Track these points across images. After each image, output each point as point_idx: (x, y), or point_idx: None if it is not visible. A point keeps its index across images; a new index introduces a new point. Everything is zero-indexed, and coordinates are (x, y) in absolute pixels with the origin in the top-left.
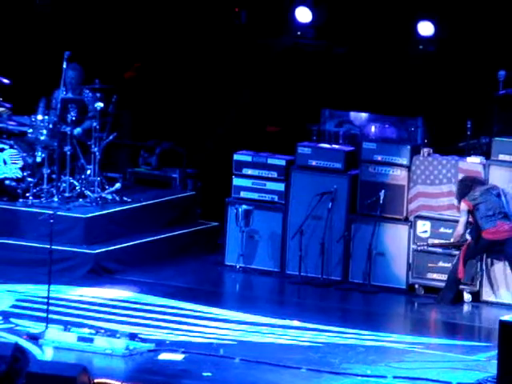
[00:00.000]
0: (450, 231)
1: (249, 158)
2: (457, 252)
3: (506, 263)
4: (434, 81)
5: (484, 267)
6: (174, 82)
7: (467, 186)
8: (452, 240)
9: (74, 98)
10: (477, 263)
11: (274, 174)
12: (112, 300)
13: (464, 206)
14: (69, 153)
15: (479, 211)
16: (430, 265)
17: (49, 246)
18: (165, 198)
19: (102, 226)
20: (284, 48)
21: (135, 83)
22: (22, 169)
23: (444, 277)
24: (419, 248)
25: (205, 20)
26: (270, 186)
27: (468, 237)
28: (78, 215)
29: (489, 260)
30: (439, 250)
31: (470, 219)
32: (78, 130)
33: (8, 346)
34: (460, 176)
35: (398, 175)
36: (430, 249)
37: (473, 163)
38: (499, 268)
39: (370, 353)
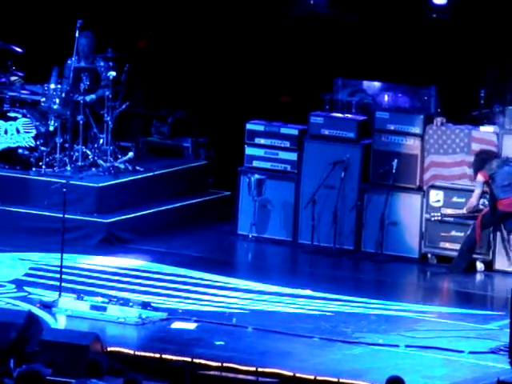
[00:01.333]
0: (463, 200)
1: (261, 128)
2: (470, 222)
3: None
4: (447, 49)
5: (497, 236)
6: (186, 51)
7: (483, 160)
8: (465, 210)
9: (86, 67)
10: (490, 233)
11: (287, 144)
12: (124, 269)
13: (480, 177)
14: (81, 122)
15: (495, 182)
16: (442, 234)
17: (61, 215)
18: (177, 168)
19: (114, 195)
20: (297, 17)
21: (148, 52)
22: (35, 138)
23: (457, 246)
24: (432, 218)
25: None
26: (283, 155)
27: (482, 207)
28: (90, 184)
29: (502, 229)
30: (452, 219)
31: (486, 189)
32: (91, 97)
33: (21, 314)
34: (473, 145)
35: (411, 144)
36: (443, 218)
37: (486, 132)
38: None
39: (382, 322)
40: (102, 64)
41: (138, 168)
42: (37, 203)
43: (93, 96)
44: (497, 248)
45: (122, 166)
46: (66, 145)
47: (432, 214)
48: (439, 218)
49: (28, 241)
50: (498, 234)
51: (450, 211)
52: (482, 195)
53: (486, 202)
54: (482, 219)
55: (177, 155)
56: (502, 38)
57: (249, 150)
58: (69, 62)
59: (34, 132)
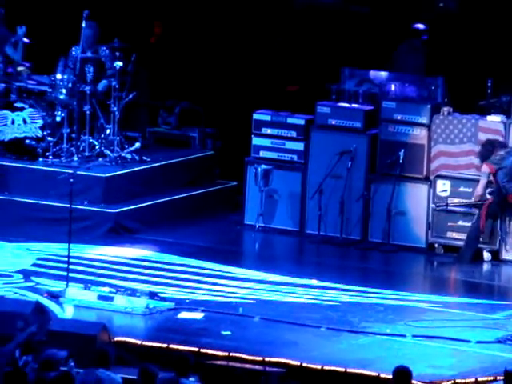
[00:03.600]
0: (469, 190)
1: (268, 118)
2: (477, 211)
3: None
4: (454, 39)
5: (504, 226)
6: (192, 41)
7: (488, 150)
8: (473, 200)
9: (90, 57)
10: (496, 222)
11: (294, 134)
12: (132, 259)
13: (486, 168)
14: (88, 112)
15: (500, 176)
16: (449, 224)
17: (69, 205)
18: (184, 158)
19: (121, 186)
20: (304, 6)
21: (154, 42)
22: (42, 128)
23: (464, 236)
24: (438, 208)
25: None
26: (290, 145)
27: (488, 196)
28: (97, 174)
29: (508, 219)
30: (459, 209)
31: (491, 179)
32: (104, 83)
33: (29, 304)
34: (480, 135)
35: (418, 134)
36: (450, 208)
37: (493, 122)
38: None
39: (389, 312)
40: (106, 53)
41: (144, 158)
42: (44, 193)
43: (105, 82)
44: (503, 237)
45: (128, 156)
46: (73, 135)
47: (437, 203)
48: (445, 207)
49: (35, 231)
50: (504, 223)
51: (456, 201)
52: (488, 185)
53: (491, 191)
54: (487, 209)
55: (183, 145)
56: (509, 27)
57: (256, 140)
58: (73, 52)
59: (41, 122)
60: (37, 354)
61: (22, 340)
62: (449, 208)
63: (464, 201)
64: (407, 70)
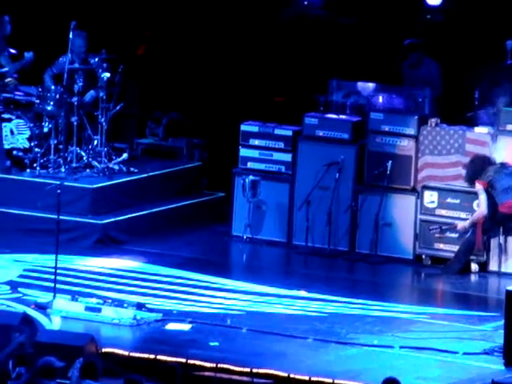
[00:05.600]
0: (457, 201)
1: (256, 129)
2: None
3: None
4: (441, 50)
5: (493, 238)
6: (180, 52)
7: (478, 167)
8: (474, 219)
9: (81, 68)
10: (488, 235)
11: (281, 145)
12: (119, 270)
13: (479, 185)
14: (76, 123)
15: (494, 188)
16: (437, 235)
17: (56, 217)
18: (172, 169)
19: (109, 197)
20: (291, 18)
21: (141, 54)
22: (29, 139)
23: (451, 247)
24: (432, 232)
25: None
26: (277, 156)
27: (477, 208)
28: (85, 185)
29: (500, 232)
30: (445, 220)
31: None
32: (91, 93)
33: (16, 315)
34: (467, 146)
35: (406, 145)
36: (437, 219)
37: (480, 133)
38: (508, 239)
39: (376, 323)
40: (96, 63)
41: (132, 169)
42: (31, 204)
43: (92, 92)
44: (491, 249)
45: (116, 168)
46: (61, 146)
47: (431, 227)
48: (438, 230)
49: (22, 242)
50: (498, 237)
51: (443, 212)
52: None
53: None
54: (483, 224)
55: (171, 156)
56: (495, 39)
57: (243, 151)
58: (60, 59)
59: (28, 133)
60: (30, 366)
61: (11, 351)
62: (443, 233)
63: (460, 225)
64: (414, 85)
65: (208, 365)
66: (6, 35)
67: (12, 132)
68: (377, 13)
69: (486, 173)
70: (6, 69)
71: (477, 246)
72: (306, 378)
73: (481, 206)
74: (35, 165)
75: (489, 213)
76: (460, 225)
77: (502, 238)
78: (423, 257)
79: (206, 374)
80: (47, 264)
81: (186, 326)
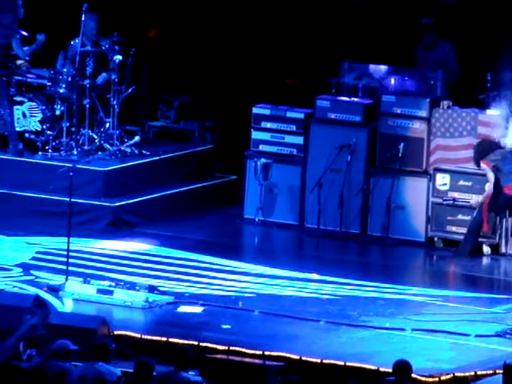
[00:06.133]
0: (469, 184)
1: (267, 112)
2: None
3: None
4: (454, 32)
5: (504, 220)
6: (191, 35)
7: (485, 149)
8: (481, 199)
9: (93, 50)
10: (496, 216)
11: (293, 127)
12: (131, 253)
13: (484, 165)
14: (88, 106)
15: (500, 170)
16: (449, 218)
17: (68, 199)
18: (183, 152)
19: (120, 179)
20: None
21: (153, 36)
22: (42, 122)
23: (463, 230)
24: (445, 203)
25: None
26: (289, 139)
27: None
28: (97, 168)
29: (508, 213)
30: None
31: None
32: (103, 76)
33: (28, 297)
34: (480, 129)
35: (418, 128)
36: (449, 202)
37: (492, 115)
38: None
39: (388, 305)
40: (108, 46)
41: (144, 152)
42: (43, 187)
43: (104, 75)
44: (503, 231)
45: (128, 150)
46: (73, 129)
47: (445, 199)
48: (452, 204)
49: (35, 225)
50: (505, 218)
51: (456, 195)
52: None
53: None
54: (488, 204)
55: (183, 139)
56: (508, 21)
57: (255, 134)
58: (72, 43)
59: (41, 116)
60: (40, 348)
61: (23, 333)
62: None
63: (474, 200)
64: (428, 67)
65: (220, 347)
66: (18, 19)
67: (24, 115)
68: None
69: (493, 155)
70: (21, 61)
71: (484, 226)
72: (318, 360)
73: (490, 184)
74: (47, 147)
75: (494, 194)
76: (474, 199)
77: (510, 221)
78: (435, 239)
79: (218, 356)
80: (59, 246)
81: (197, 309)
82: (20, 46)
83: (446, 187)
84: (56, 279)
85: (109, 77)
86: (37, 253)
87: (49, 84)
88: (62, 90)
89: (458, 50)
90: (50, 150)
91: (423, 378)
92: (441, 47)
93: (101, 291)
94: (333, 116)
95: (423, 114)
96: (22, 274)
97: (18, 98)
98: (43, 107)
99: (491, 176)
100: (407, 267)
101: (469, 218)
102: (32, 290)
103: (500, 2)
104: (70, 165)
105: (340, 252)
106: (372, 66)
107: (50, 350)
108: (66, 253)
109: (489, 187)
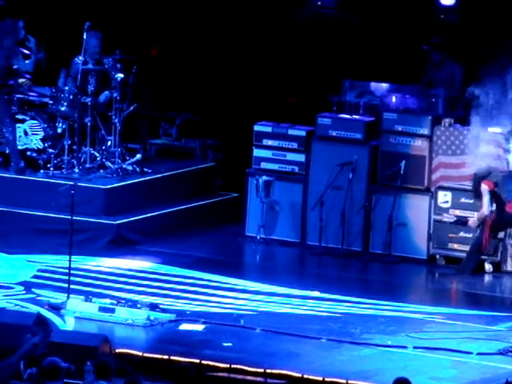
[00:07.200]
0: (471, 202)
1: (269, 129)
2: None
3: None
4: (455, 50)
5: (506, 238)
6: (193, 53)
7: (485, 173)
8: (476, 219)
9: (95, 69)
10: (498, 235)
11: (295, 145)
12: (133, 271)
13: (484, 186)
14: (89, 124)
15: (501, 187)
16: (450, 235)
17: (70, 217)
18: (185, 169)
19: (122, 197)
20: (304, 18)
21: (155, 55)
22: (43, 140)
23: (465, 247)
24: (446, 219)
25: None
26: (291, 156)
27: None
28: (98, 186)
29: (510, 233)
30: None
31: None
32: (106, 94)
33: (30, 316)
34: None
35: (419, 145)
36: (451, 220)
37: (494, 133)
38: None
39: (390, 323)
40: (111, 63)
41: (145, 170)
42: (45, 205)
43: (107, 93)
44: (505, 249)
45: (129, 168)
46: (74, 147)
47: (445, 215)
48: (453, 222)
49: (36, 243)
50: (506, 235)
51: (457, 212)
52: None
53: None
54: (491, 223)
55: (185, 157)
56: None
57: (257, 152)
58: (75, 60)
59: (42, 134)
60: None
61: (25, 352)
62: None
63: (471, 221)
64: (438, 85)
65: (222, 365)
66: (18, 40)
67: (26, 133)
68: (390, 12)
69: (493, 175)
70: (23, 80)
71: (483, 245)
72: (320, 378)
73: (483, 207)
74: (49, 165)
75: (497, 213)
76: (471, 220)
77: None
78: (437, 257)
79: (220, 374)
80: (61, 264)
81: (199, 327)
82: (23, 62)
83: (448, 205)
84: (58, 297)
85: (111, 95)
86: (38, 271)
87: (50, 102)
88: (63, 108)
89: (464, 69)
90: (51, 168)
91: None
92: (449, 66)
93: (102, 309)
94: (334, 133)
95: (425, 131)
96: (24, 292)
97: (20, 116)
98: (45, 125)
99: (486, 200)
100: (409, 285)
101: (470, 235)
102: (33, 308)
103: (501, 17)
104: (72, 183)
105: (342, 269)
106: (373, 84)
107: (40, 368)
108: (67, 271)
109: (481, 209)
